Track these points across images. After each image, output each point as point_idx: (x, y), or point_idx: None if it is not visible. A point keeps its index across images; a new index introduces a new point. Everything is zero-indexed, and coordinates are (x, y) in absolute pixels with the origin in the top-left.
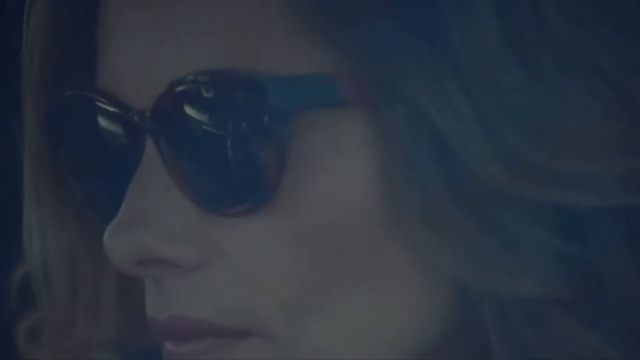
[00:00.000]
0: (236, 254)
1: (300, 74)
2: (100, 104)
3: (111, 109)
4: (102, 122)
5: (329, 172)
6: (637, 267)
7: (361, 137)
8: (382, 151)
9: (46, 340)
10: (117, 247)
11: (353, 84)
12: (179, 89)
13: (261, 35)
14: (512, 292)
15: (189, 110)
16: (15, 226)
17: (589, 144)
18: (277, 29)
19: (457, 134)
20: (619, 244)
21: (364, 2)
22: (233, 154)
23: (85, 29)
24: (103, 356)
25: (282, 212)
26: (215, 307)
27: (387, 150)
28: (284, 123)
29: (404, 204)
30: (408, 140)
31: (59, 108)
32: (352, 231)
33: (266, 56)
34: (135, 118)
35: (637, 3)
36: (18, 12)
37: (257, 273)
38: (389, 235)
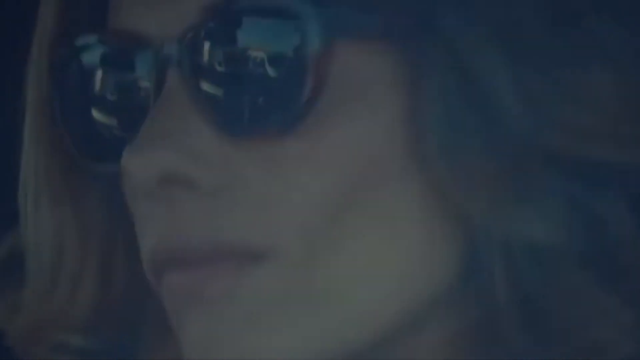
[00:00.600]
0: (257, 179)
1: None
2: (114, 44)
3: (128, 45)
4: (115, 61)
5: (358, 108)
6: None
7: (395, 77)
8: (414, 92)
9: (24, 308)
10: (137, 164)
11: (390, 26)
12: (210, 13)
13: None
14: (524, 236)
15: (219, 35)
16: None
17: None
18: None
19: (490, 79)
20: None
21: None
22: (262, 78)
23: None
24: (73, 340)
25: (307, 140)
26: (234, 227)
27: (419, 92)
28: (319, 49)
29: (430, 142)
30: (443, 85)
31: (68, 57)
32: (374, 168)
33: None
34: (158, 49)
35: None
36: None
37: (278, 198)
38: (410, 176)
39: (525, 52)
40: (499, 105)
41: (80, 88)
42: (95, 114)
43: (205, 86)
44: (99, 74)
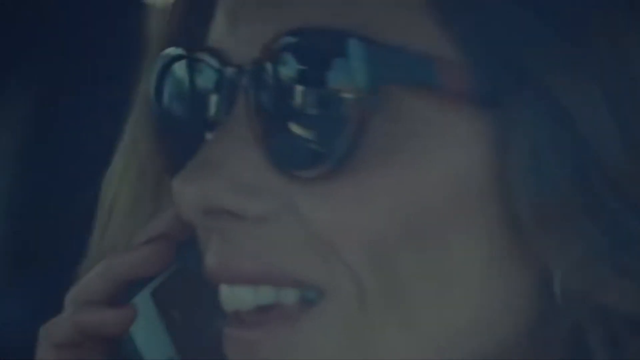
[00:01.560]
0: (307, 209)
1: (404, 47)
2: (202, 60)
3: (212, 64)
4: (202, 77)
5: (416, 157)
6: None
7: (458, 132)
8: (489, 141)
9: None
10: (185, 194)
11: (455, 76)
12: (281, 44)
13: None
14: (618, 303)
15: (286, 67)
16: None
17: None
18: None
19: (588, 121)
20: None
21: None
22: (317, 116)
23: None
24: None
25: (359, 180)
26: (281, 256)
27: (498, 139)
28: (374, 92)
29: (516, 194)
30: (532, 129)
31: (168, 64)
32: (431, 214)
33: (378, 21)
34: (233, 72)
35: None
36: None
37: (325, 231)
38: (483, 223)
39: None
40: (596, 145)
41: (172, 100)
42: (182, 128)
43: (265, 118)
44: (186, 87)
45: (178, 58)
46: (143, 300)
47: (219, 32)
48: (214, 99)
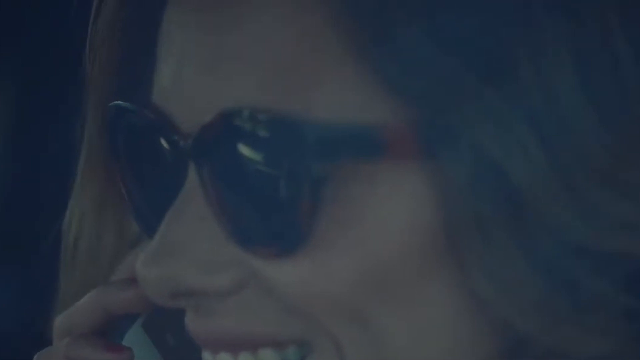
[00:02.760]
0: (274, 278)
1: (345, 122)
2: (151, 119)
3: (161, 126)
4: (152, 137)
5: (366, 220)
6: None
7: (406, 188)
8: (427, 202)
9: None
10: (150, 279)
11: (399, 138)
12: (222, 121)
13: (314, 75)
14: (582, 351)
15: (230, 144)
16: None
17: None
18: (332, 70)
19: (527, 179)
20: None
21: (428, 48)
22: (270, 193)
23: (148, 42)
24: None
25: (315, 256)
26: (258, 320)
27: (438, 200)
28: (323, 168)
29: (465, 254)
30: (472, 189)
31: (116, 114)
32: (391, 272)
33: (316, 97)
34: (181, 141)
35: None
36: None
37: (297, 297)
38: (435, 284)
39: None
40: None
41: (124, 149)
42: (133, 182)
43: (218, 190)
44: (136, 142)
45: (128, 111)
46: (136, 334)
47: (163, 87)
48: (166, 160)
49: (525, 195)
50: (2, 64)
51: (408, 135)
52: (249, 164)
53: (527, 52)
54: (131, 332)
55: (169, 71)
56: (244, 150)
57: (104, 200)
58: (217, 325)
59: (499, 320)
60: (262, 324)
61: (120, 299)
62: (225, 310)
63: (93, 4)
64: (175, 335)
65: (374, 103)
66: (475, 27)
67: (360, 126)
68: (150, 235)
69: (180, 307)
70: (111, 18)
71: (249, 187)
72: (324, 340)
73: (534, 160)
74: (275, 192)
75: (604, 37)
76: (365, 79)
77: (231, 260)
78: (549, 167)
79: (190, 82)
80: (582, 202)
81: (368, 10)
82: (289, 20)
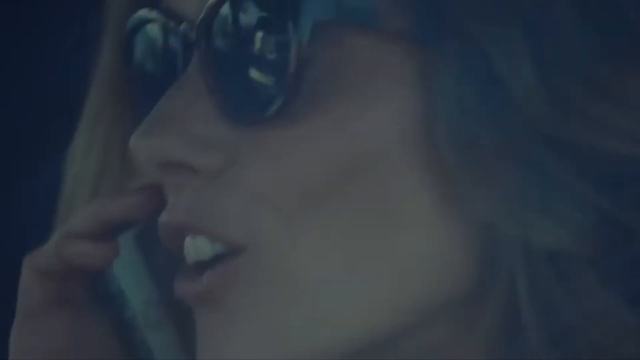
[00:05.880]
0: (247, 163)
1: None
2: (160, 21)
3: (169, 24)
4: (163, 37)
5: (358, 99)
6: None
7: (402, 70)
8: (419, 85)
9: None
10: (141, 148)
11: (394, 14)
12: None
13: None
14: (544, 242)
15: (227, 20)
16: None
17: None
18: None
19: (511, 72)
20: None
21: None
22: (262, 61)
23: None
24: None
25: (299, 127)
26: (217, 216)
27: (426, 85)
28: (315, 31)
29: (441, 140)
30: (458, 76)
31: (132, 27)
32: (374, 161)
33: None
34: (187, 29)
35: None
36: None
37: (262, 183)
38: (419, 173)
39: (554, 51)
40: (518, 93)
41: (140, 61)
42: (152, 87)
43: (214, 69)
44: (151, 48)
45: (144, 21)
46: (127, 241)
47: None
48: (175, 57)
49: (512, 94)
50: None
51: (403, 15)
52: (244, 32)
53: None
54: (123, 237)
55: None
56: (241, 18)
57: (112, 136)
58: (180, 212)
59: (478, 224)
60: (219, 220)
61: (119, 203)
62: (196, 198)
63: None
64: (165, 259)
65: None
66: None
67: None
68: None
69: (163, 185)
70: None
71: (244, 59)
72: (274, 242)
73: (524, 63)
74: (266, 57)
75: None
76: None
77: (218, 140)
78: (544, 83)
79: None
80: (578, 116)
81: None
82: None
